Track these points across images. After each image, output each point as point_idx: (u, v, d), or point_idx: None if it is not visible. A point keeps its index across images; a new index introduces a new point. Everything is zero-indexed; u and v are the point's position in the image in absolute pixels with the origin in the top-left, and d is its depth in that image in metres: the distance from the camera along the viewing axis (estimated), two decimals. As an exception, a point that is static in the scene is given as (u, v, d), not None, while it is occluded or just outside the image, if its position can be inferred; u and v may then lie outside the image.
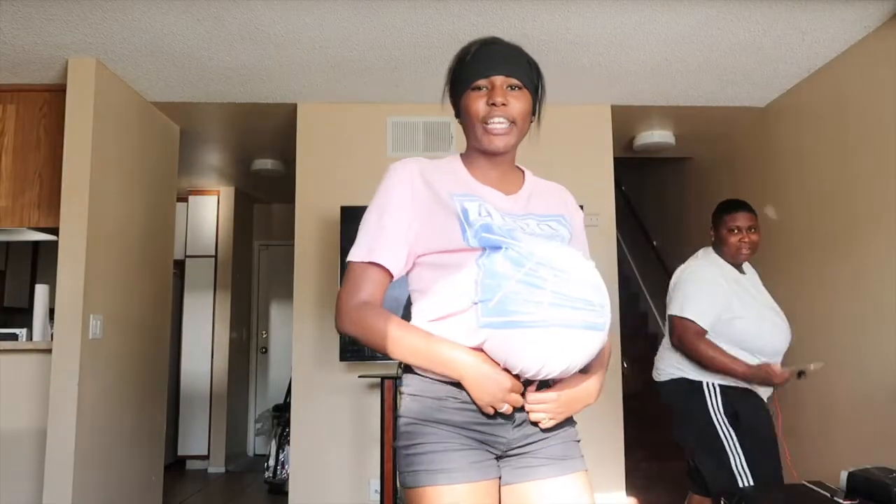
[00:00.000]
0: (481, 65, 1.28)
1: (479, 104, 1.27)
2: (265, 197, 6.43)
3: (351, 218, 3.63)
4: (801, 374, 2.33)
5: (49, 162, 3.42)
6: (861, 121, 3.20)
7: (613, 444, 3.79)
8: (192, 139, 4.52)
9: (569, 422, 1.31)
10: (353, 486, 3.75)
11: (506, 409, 1.18)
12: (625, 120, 4.21)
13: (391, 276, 1.28)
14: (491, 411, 1.19)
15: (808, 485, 2.28)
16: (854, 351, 3.08)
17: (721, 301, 2.42)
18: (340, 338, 3.58)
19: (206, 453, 5.68)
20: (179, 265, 5.73)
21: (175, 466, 5.59)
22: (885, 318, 2.98)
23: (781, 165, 3.91)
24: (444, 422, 1.21)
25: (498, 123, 1.26)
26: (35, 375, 3.25)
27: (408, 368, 1.28)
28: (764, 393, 2.46)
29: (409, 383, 1.26)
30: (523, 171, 1.42)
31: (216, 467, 5.65)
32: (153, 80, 3.58)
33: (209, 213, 5.92)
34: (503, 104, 1.25)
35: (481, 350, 1.18)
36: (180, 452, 5.69)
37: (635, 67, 3.47)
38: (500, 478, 1.24)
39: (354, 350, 3.59)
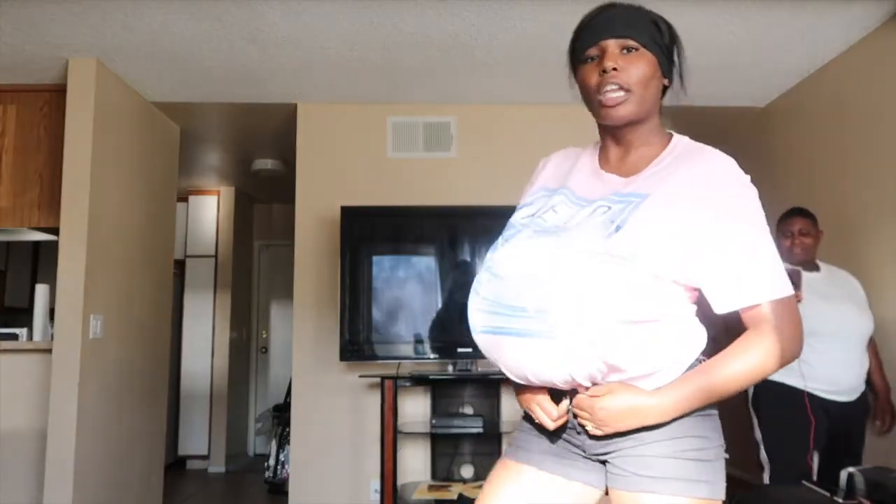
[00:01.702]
0: (591, 32, 1.15)
1: (592, 76, 1.13)
2: (265, 197, 6.42)
3: (351, 218, 3.63)
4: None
5: (49, 162, 3.41)
6: (861, 121, 3.20)
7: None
8: (192, 139, 4.52)
9: (670, 435, 1.09)
10: (353, 486, 3.75)
11: (538, 417, 1.16)
12: (625, 120, 4.20)
13: None
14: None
15: (808, 485, 2.28)
16: (854, 351, 3.07)
17: None
18: (340, 338, 3.58)
19: (206, 453, 5.68)
20: (179, 265, 5.73)
21: (175, 466, 5.58)
22: (884, 318, 2.98)
23: (781, 165, 3.91)
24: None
25: (611, 92, 1.11)
26: (35, 375, 3.25)
27: None
28: (828, 390, 2.46)
29: None
30: (669, 141, 1.20)
31: (216, 467, 5.65)
32: (153, 80, 3.58)
33: (209, 213, 5.91)
34: (614, 69, 1.10)
35: None
36: (180, 452, 5.68)
37: (635, 67, 3.47)
38: (588, 482, 1.19)
39: (354, 350, 3.59)
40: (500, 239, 1.17)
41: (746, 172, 1.18)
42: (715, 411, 1.13)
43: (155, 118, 3.99)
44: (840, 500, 2.10)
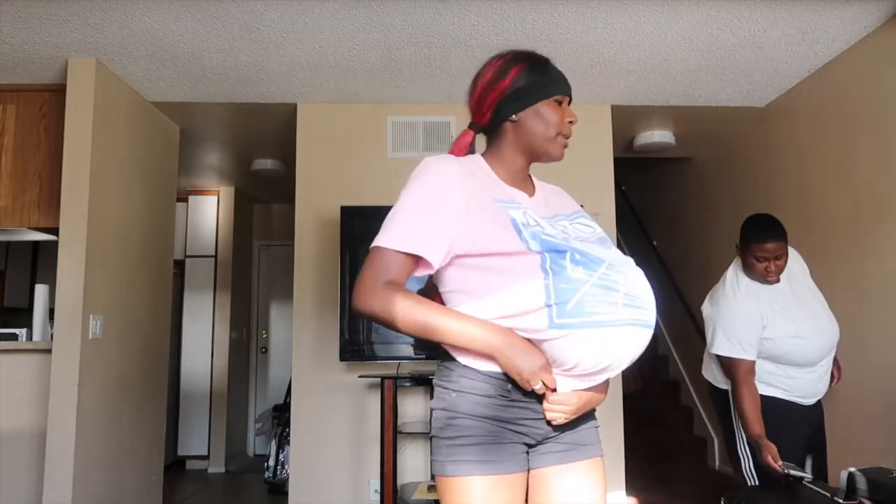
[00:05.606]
0: (563, 83, 1.41)
1: (560, 116, 1.37)
2: (265, 197, 6.42)
3: (351, 218, 3.63)
4: (789, 477, 2.24)
5: (49, 162, 3.41)
6: (861, 121, 3.20)
7: (613, 444, 3.79)
8: (192, 139, 4.52)
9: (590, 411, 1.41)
10: (353, 486, 3.75)
11: (539, 387, 1.25)
12: (625, 120, 4.21)
13: (418, 270, 1.29)
14: (528, 387, 1.24)
15: (808, 485, 2.27)
16: (854, 351, 3.07)
17: (756, 323, 2.42)
18: (340, 337, 3.58)
19: (206, 453, 5.68)
20: (179, 265, 5.73)
21: (175, 466, 5.59)
22: (885, 318, 2.98)
23: (781, 165, 3.91)
24: (493, 417, 1.27)
25: (567, 138, 1.39)
26: (35, 375, 3.25)
27: (449, 361, 1.31)
28: (803, 399, 2.49)
29: (455, 380, 1.29)
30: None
31: (216, 467, 5.65)
32: (153, 80, 3.58)
33: (209, 213, 5.92)
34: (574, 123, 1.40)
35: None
36: (180, 452, 5.68)
37: (635, 67, 3.47)
38: (525, 467, 1.33)
39: (354, 350, 3.59)
40: (561, 241, 1.26)
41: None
42: None
43: (155, 118, 3.99)
44: (840, 501, 2.10)
